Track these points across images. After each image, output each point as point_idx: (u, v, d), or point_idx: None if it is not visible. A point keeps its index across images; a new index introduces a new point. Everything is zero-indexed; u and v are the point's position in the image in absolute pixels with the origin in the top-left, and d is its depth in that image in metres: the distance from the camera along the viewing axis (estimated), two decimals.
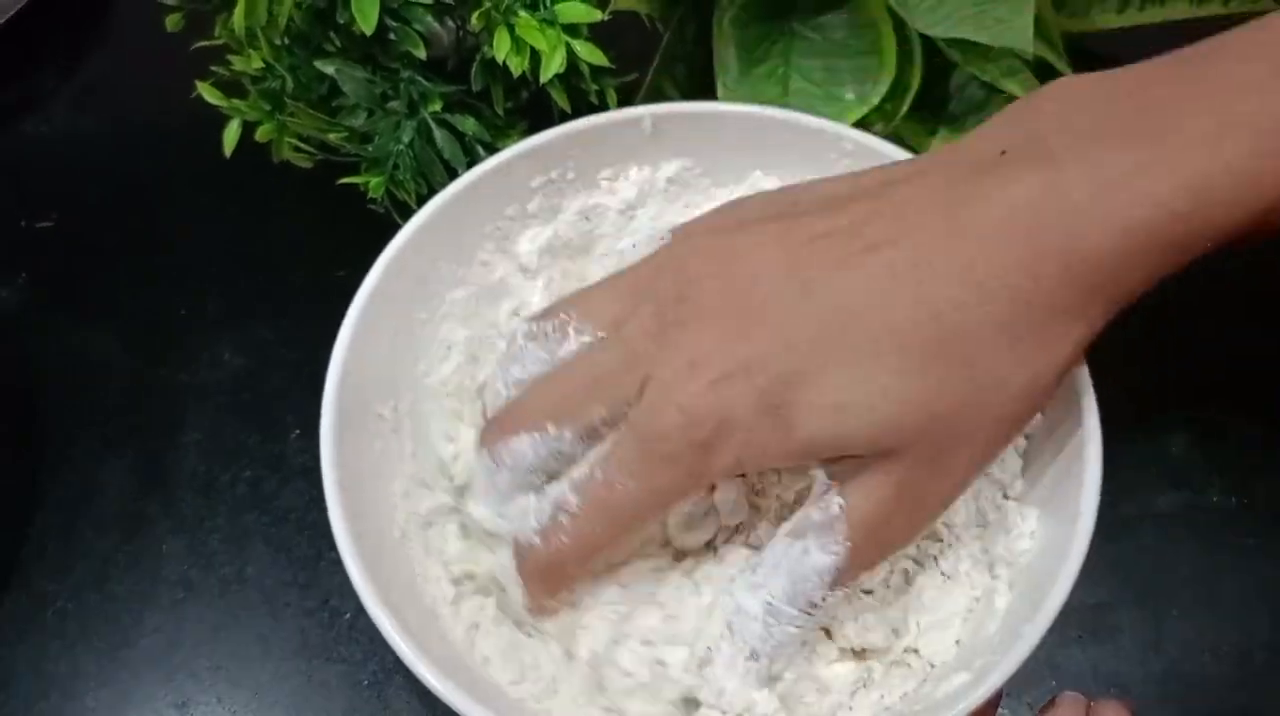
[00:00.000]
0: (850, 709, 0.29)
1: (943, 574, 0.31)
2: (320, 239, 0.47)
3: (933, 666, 0.30)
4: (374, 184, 0.41)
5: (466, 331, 0.36)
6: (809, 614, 0.27)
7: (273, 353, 0.45)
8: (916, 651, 0.30)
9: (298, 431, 0.42)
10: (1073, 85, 0.27)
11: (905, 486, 0.26)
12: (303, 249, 0.47)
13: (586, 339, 0.29)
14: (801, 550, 0.27)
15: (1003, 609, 0.29)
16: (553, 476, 0.29)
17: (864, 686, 0.30)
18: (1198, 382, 0.42)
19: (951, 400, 0.25)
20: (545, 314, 0.30)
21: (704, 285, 0.27)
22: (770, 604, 0.27)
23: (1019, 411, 0.26)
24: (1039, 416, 0.31)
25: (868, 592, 0.31)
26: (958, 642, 0.30)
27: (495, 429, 0.30)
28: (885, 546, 0.27)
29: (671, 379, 0.26)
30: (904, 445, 0.25)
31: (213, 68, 0.43)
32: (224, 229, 0.49)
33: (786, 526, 0.27)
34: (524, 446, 0.28)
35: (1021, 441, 0.32)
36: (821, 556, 0.26)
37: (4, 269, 0.48)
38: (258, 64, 0.41)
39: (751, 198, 0.31)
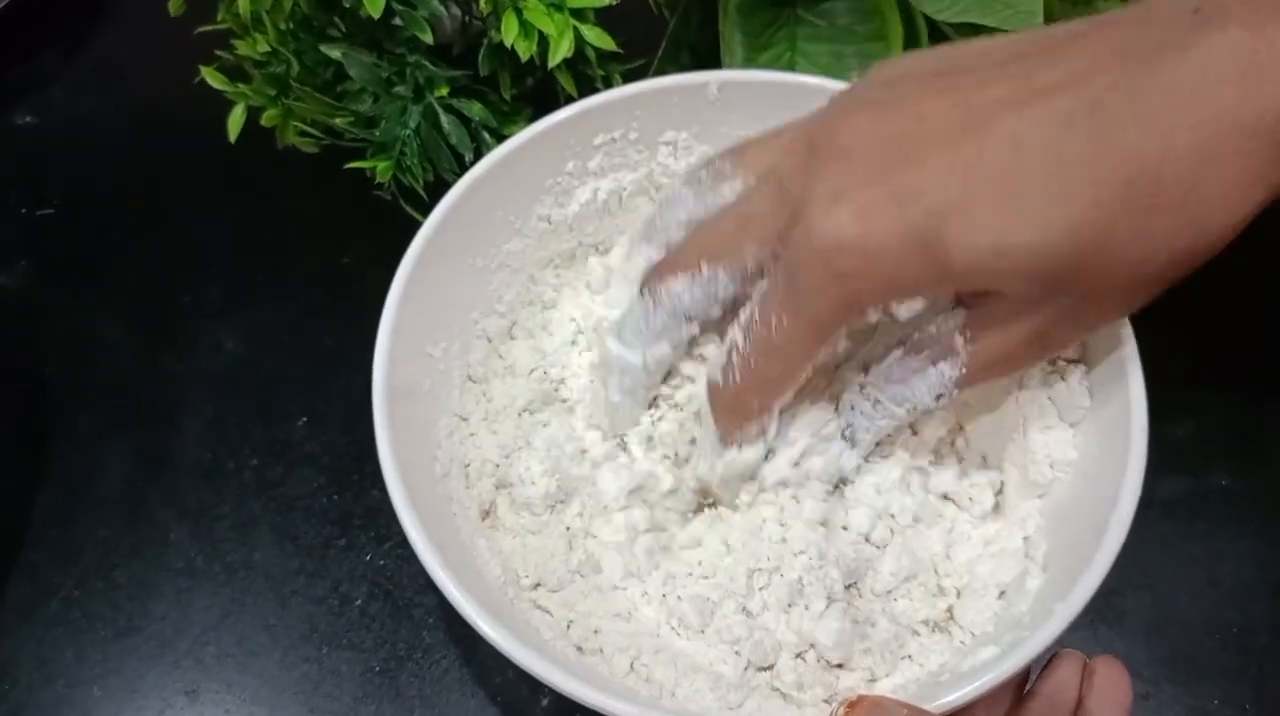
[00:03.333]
0: (887, 675, 0.29)
1: (990, 541, 0.32)
2: (325, 226, 0.47)
3: (973, 635, 0.30)
4: (381, 169, 0.41)
5: (519, 284, 0.37)
6: (909, 412, 0.29)
7: (277, 339, 0.45)
8: (954, 619, 0.31)
9: (304, 418, 0.42)
10: None
11: (1040, 329, 0.26)
12: (307, 235, 0.47)
13: (739, 185, 0.29)
14: (913, 366, 0.29)
15: (1034, 590, 0.29)
16: (710, 323, 0.31)
17: (909, 657, 0.30)
18: (1201, 368, 0.43)
19: (1116, 251, 0.24)
20: (704, 162, 0.31)
21: (861, 123, 0.26)
22: (878, 401, 0.29)
23: (1170, 272, 0.25)
24: (1087, 403, 0.31)
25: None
26: (996, 616, 0.30)
27: (655, 272, 0.30)
28: (998, 374, 0.29)
29: (818, 210, 0.25)
30: (1056, 290, 0.25)
31: (217, 52, 0.43)
32: (227, 215, 0.48)
33: (908, 346, 0.29)
34: (680, 287, 0.29)
35: (1069, 432, 0.32)
36: (934, 374, 0.28)
37: (4, 255, 0.47)
38: (263, 48, 0.41)
39: (908, 57, 0.29)
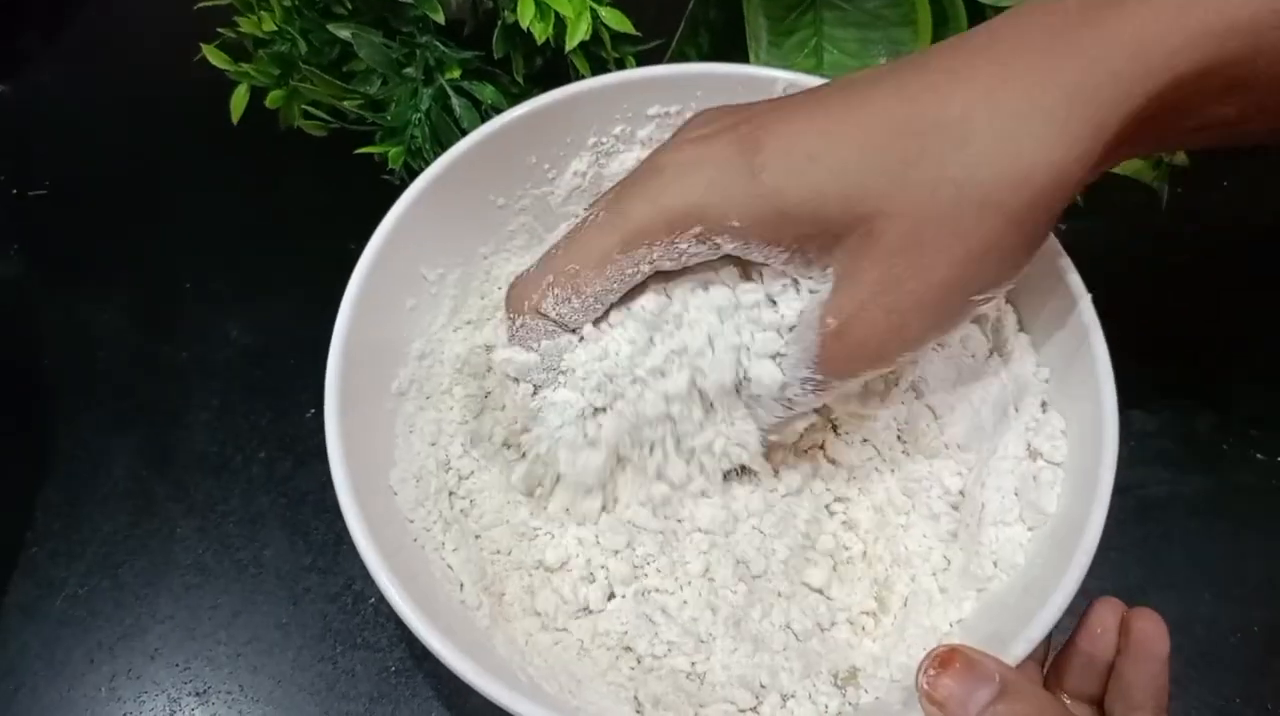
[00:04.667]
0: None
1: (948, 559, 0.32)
2: (331, 210, 0.45)
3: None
4: (393, 154, 0.40)
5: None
6: (788, 407, 0.30)
7: (282, 328, 0.43)
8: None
9: (313, 410, 0.41)
10: None
11: (882, 277, 0.26)
12: (313, 220, 0.45)
13: None
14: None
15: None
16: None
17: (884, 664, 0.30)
18: (1226, 366, 0.42)
19: (935, 173, 0.25)
20: None
21: (736, 112, 0.28)
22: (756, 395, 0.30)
23: (1011, 204, 0.25)
24: (1062, 445, 0.31)
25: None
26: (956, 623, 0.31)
27: None
28: (857, 350, 0.27)
29: (670, 141, 0.28)
30: (881, 215, 0.25)
31: (219, 29, 0.41)
32: (229, 198, 0.47)
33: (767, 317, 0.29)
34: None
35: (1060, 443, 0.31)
36: (795, 349, 0.28)
37: None
38: (269, 26, 0.39)
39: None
